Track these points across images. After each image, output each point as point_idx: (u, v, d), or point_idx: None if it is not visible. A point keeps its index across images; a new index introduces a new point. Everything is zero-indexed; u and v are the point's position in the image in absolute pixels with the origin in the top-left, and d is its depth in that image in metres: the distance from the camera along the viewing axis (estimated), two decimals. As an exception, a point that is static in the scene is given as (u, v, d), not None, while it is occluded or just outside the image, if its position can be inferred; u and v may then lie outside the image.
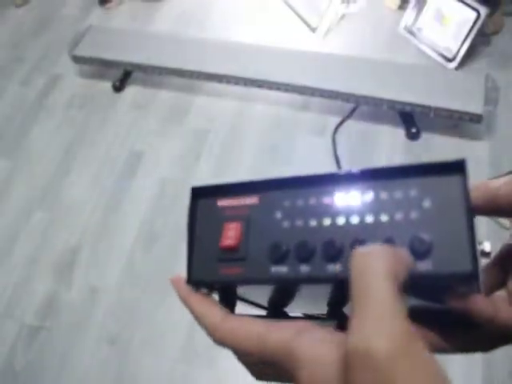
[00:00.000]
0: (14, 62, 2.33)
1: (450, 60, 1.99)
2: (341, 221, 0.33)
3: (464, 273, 0.29)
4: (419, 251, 0.29)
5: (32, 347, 1.54)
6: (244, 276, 0.34)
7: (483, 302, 0.31)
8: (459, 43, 1.96)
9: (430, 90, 1.79)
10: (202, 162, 1.89)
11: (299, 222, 0.34)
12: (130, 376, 1.47)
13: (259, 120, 1.98)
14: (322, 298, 0.37)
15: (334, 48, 2.14)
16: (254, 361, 0.35)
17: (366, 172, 0.33)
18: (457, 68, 1.98)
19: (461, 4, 1.94)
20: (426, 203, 0.31)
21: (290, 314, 0.42)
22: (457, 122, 1.80)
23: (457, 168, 0.30)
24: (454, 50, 1.97)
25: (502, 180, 0.31)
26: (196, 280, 0.37)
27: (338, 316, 0.37)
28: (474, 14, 1.90)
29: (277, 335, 0.31)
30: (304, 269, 0.32)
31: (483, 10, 1.88)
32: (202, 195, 0.38)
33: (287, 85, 1.87)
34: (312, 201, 0.34)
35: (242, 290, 0.38)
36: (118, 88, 2.14)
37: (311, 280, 0.32)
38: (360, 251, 0.28)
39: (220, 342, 0.34)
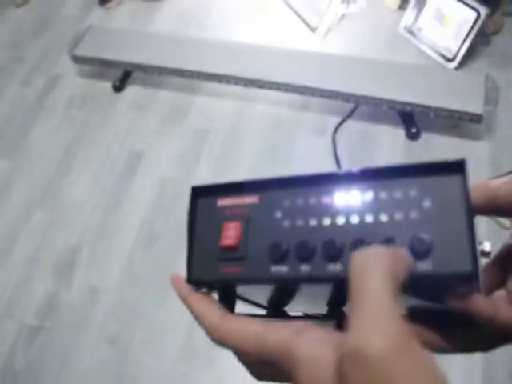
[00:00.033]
0: (14, 62, 2.33)
1: (450, 60, 1.99)
2: (341, 220, 0.33)
3: (464, 273, 0.29)
4: (419, 251, 0.29)
5: (32, 347, 1.54)
6: (244, 275, 0.34)
7: (483, 301, 0.31)
8: (459, 43, 1.96)
9: (430, 90, 1.79)
10: (202, 161, 1.89)
11: (299, 222, 0.34)
12: (130, 376, 1.47)
13: (259, 120, 1.98)
14: (321, 298, 0.37)
15: (334, 48, 2.14)
16: (252, 361, 0.35)
17: (366, 172, 0.33)
18: (457, 68, 1.98)
19: (461, 4, 1.94)
20: (426, 203, 0.31)
21: (290, 314, 0.42)
22: (457, 122, 1.80)
23: (457, 168, 0.30)
24: (454, 50, 1.98)
25: (502, 180, 0.31)
26: (196, 279, 0.37)
27: (337, 315, 0.37)
28: (474, 14, 1.90)
29: (275, 335, 0.31)
30: (304, 268, 0.32)
31: (483, 10, 1.88)
32: (202, 194, 0.38)
33: (287, 85, 1.87)
34: (312, 200, 0.34)
35: (241, 290, 0.38)
36: (118, 88, 2.14)
37: (311, 280, 0.32)
38: (360, 253, 0.28)
39: (219, 342, 0.34)
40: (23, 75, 2.27)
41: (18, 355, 1.53)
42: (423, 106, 1.75)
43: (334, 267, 0.31)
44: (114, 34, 2.22)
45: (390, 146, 1.84)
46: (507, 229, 1.55)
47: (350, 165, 1.78)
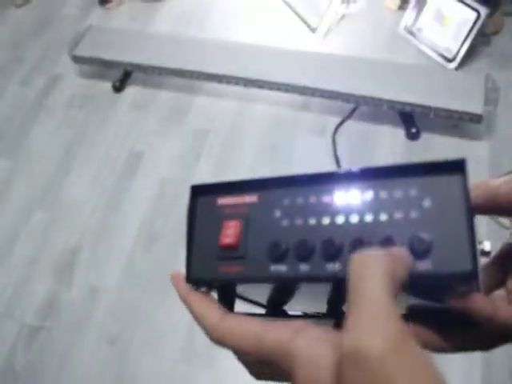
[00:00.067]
0: (14, 62, 2.33)
1: (450, 60, 1.99)
2: (340, 220, 0.32)
3: (464, 272, 0.29)
4: (419, 251, 0.29)
5: (32, 347, 1.54)
6: (243, 274, 0.34)
7: (483, 301, 0.31)
8: (459, 43, 1.96)
9: (430, 90, 1.79)
10: (202, 161, 1.89)
11: (299, 221, 0.34)
12: (130, 376, 1.47)
13: (259, 120, 1.98)
14: (321, 297, 0.37)
15: (334, 48, 2.14)
16: (252, 360, 0.35)
17: (366, 171, 0.33)
18: (457, 68, 1.98)
19: (461, 4, 1.94)
20: (426, 202, 0.31)
21: (289, 313, 0.42)
22: (457, 122, 1.80)
23: (457, 167, 0.30)
24: (454, 51, 1.98)
25: (502, 179, 0.31)
26: (195, 278, 0.36)
27: (336, 314, 0.37)
28: (474, 15, 1.90)
29: (274, 335, 0.31)
30: (303, 268, 0.32)
31: (483, 11, 1.88)
32: (201, 193, 0.38)
33: (287, 85, 1.87)
34: (311, 199, 0.34)
35: (241, 289, 0.38)
36: (118, 88, 2.14)
37: (310, 279, 0.32)
38: (359, 254, 0.28)
39: (218, 341, 0.34)
40: (23, 75, 2.27)
41: (18, 355, 1.53)
42: (423, 106, 1.75)
43: (333, 266, 0.31)
44: (114, 34, 2.22)
45: (389, 146, 1.84)
46: (507, 228, 1.55)
47: (349, 165, 1.78)
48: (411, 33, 2.11)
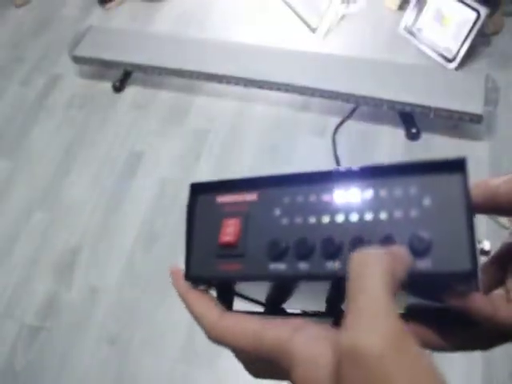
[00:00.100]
0: (14, 62, 2.33)
1: (450, 60, 1.99)
2: (340, 218, 0.32)
3: (463, 271, 0.29)
4: (418, 249, 0.29)
5: (32, 347, 1.54)
6: (242, 272, 0.34)
7: (482, 300, 0.31)
8: (459, 43, 1.96)
9: (430, 90, 1.79)
10: (202, 161, 1.89)
11: (298, 219, 0.34)
12: (130, 376, 1.47)
13: (259, 120, 1.98)
14: (320, 295, 0.37)
15: (334, 48, 2.14)
16: (250, 358, 0.35)
17: (366, 169, 0.33)
18: (457, 68, 1.98)
19: (461, 4, 1.94)
20: (426, 201, 0.31)
21: (288, 311, 0.42)
22: (457, 123, 1.80)
23: (457, 166, 0.30)
24: (454, 51, 1.98)
25: (502, 178, 0.31)
26: (194, 276, 0.36)
27: (335, 313, 0.37)
28: (473, 15, 1.90)
29: (272, 333, 0.31)
30: (303, 266, 0.32)
31: (483, 11, 1.88)
32: (201, 191, 0.38)
33: (287, 85, 1.87)
34: (311, 198, 0.34)
35: (240, 287, 0.38)
36: (118, 88, 2.14)
37: (310, 277, 0.32)
38: (359, 252, 0.28)
39: (216, 340, 0.34)
40: (23, 75, 2.27)
41: (18, 355, 1.53)
42: (423, 107, 1.75)
43: (333, 265, 0.31)
44: (114, 34, 2.22)
45: (390, 147, 1.84)
46: (506, 228, 1.55)
47: (349, 165, 1.78)
48: (411, 33, 2.11)
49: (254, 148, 1.90)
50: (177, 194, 1.79)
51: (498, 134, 1.82)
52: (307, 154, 1.85)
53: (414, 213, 0.31)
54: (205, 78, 1.98)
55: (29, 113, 2.13)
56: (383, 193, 0.32)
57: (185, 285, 0.37)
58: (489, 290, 0.34)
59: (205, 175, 1.81)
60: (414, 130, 1.84)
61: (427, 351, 0.34)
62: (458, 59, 1.97)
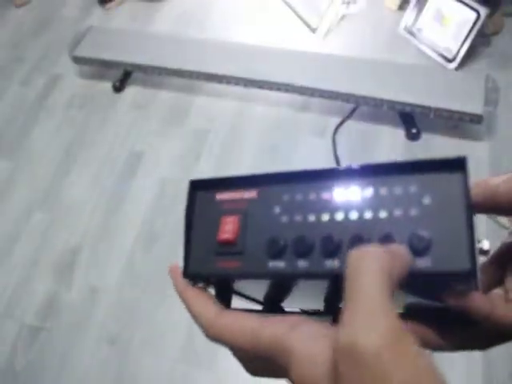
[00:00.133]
0: (14, 62, 2.33)
1: (450, 60, 1.99)
2: (339, 216, 0.32)
3: (462, 270, 0.29)
4: (418, 248, 0.29)
5: (32, 347, 1.54)
6: (241, 270, 0.34)
7: (481, 299, 0.31)
8: (459, 44, 1.96)
9: (430, 90, 1.79)
10: (202, 161, 1.89)
11: (298, 217, 0.34)
12: (130, 376, 1.47)
13: (259, 120, 1.98)
14: (319, 294, 0.37)
15: (334, 48, 2.14)
16: (248, 356, 0.35)
17: (366, 168, 0.33)
18: (457, 68, 1.98)
19: (461, 4, 1.94)
20: (426, 200, 0.31)
21: (286, 309, 0.42)
22: (457, 123, 1.80)
23: (458, 165, 0.30)
24: (454, 51, 1.98)
25: (501, 178, 0.31)
26: (192, 273, 0.36)
27: (333, 312, 0.37)
28: (473, 15, 1.90)
29: (270, 330, 0.31)
30: (301, 264, 0.32)
31: (483, 11, 1.88)
32: (200, 188, 0.38)
33: (287, 85, 1.87)
34: (311, 196, 0.34)
35: (238, 285, 0.38)
36: (118, 88, 2.14)
37: (309, 275, 0.32)
38: (357, 250, 0.28)
39: (214, 338, 0.34)
40: (23, 75, 2.27)
41: (19, 355, 1.53)
42: (423, 107, 1.75)
43: (332, 263, 0.31)
44: (114, 34, 2.22)
45: (390, 147, 1.84)
46: (507, 228, 1.55)
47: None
48: (411, 33, 2.11)
49: (254, 148, 1.90)
50: (177, 194, 1.79)
51: (498, 134, 1.82)
52: (307, 154, 1.85)
53: (413, 211, 0.31)
54: (205, 78, 1.98)
55: (29, 113, 2.13)
56: (383, 191, 0.32)
57: (183, 282, 0.37)
58: (488, 289, 0.34)
59: (205, 175, 1.78)
60: (414, 130, 1.84)
61: (427, 351, 0.34)
62: (458, 59, 1.97)
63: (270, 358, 0.31)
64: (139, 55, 2.04)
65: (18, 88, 2.23)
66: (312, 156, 1.84)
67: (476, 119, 1.71)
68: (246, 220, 0.35)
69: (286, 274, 0.33)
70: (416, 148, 1.82)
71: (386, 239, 0.30)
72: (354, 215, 0.32)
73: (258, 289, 0.38)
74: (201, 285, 0.37)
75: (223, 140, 1.94)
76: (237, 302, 0.39)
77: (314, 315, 0.40)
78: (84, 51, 2.11)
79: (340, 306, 0.37)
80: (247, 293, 0.40)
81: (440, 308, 0.34)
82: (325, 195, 0.33)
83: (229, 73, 1.92)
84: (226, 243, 0.35)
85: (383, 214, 0.31)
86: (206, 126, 1.98)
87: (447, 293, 0.31)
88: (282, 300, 0.41)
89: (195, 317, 0.35)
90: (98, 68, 2.19)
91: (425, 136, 1.85)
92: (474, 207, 0.30)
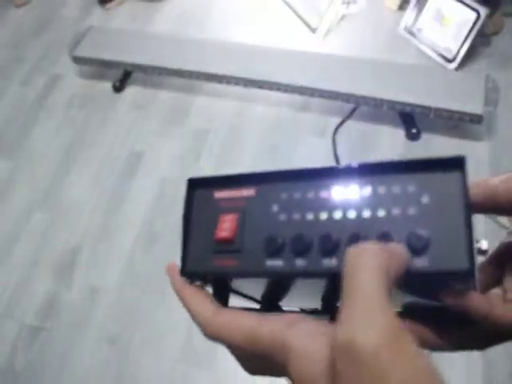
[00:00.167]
0: (14, 62, 2.33)
1: (450, 60, 1.99)
2: (338, 215, 0.32)
3: (460, 270, 0.29)
4: (416, 247, 0.29)
5: (32, 347, 1.54)
6: (239, 268, 0.34)
7: (479, 299, 0.31)
8: (459, 44, 1.96)
9: (430, 90, 1.79)
10: (202, 161, 1.89)
11: (296, 216, 0.33)
12: (130, 376, 1.47)
13: (259, 120, 1.98)
14: (316, 293, 0.37)
15: (334, 48, 2.14)
16: (246, 355, 0.35)
17: (365, 166, 0.33)
18: (457, 68, 1.98)
19: (461, 4, 1.94)
20: (425, 199, 0.31)
21: (284, 309, 0.41)
22: (457, 123, 1.80)
23: (456, 164, 0.30)
24: (454, 51, 1.97)
25: (500, 177, 0.31)
26: (190, 271, 0.36)
27: (331, 311, 0.37)
28: (473, 15, 1.90)
29: (268, 328, 0.31)
30: (299, 263, 0.32)
31: (483, 11, 1.88)
32: (198, 186, 0.38)
33: (287, 85, 1.87)
34: (309, 194, 0.34)
35: (236, 283, 0.38)
36: (118, 88, 2.14)
37: (307, 274, 0.32)
38: (355, 247, 0.27)
39: (212, 336, 0.34)
40: (23, 75, 2.27)
41: (19, 355, 1.53)
42: (423, 107, 1.75)
43: (330, 262, 0.31)
44: (114, 34, 2.22)
45: (390, 147, 1.84)
46: (506, 228, 1.55)
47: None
48: (411, 33, 2.11)
49: (254, 148, 1.90)
50: (177, 194, 1.79)
51: (498, 135, 1.82)
52: (307, 154, 1.85)
53: (412, 210, 0.31)
54: (205, 78, 1.98)
55: (29, 113, 2.13)
56: (381, 190, 0.32)
57: (180, 280, 0.36)
58: (486, 289, 0.34)
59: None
60: (414, 130, 1.84)
61: (426, 351, 0.34)
62: (458, 59, 1.97)
63: (268, 356, 0.31)
64: (139, 55, 2.04)
65: (17, 88, 2.23)
66: (312, 156, 1.84)
67: (476, 119, 1.71)
68: (244, 218, 0.35)
69: (284, 273, 0.33)
70: (416, 148, 1.82)
71: (384, 238, 0.30)
72: (352, 214, 0.32)
73: (256, 287, 0.38)
74: (198, 283, 0.37)
75: (223, 140, 1.94)
76: (234, 302, 0.39)
77: (312, 314, 0.40)
78: (84, 51, 2.11)
79: (338, 305, 0.37)
80: (245, 291, 0.40)
81: (438, 308, 0.34)
82: (323, 194, 0.33)
83: (229, 73, 1.92)
84: (224, 241, 0.35)
85: (381, 213, 0.31)
86: (206, 126, 1.98)
87: (445, 292, 0.31)
88: (279, 299, 0.41)
89: (193, 315, 0.35)
90: (98, 68, 2.19)
91: (425, 136, 1.85)
92: (474, 207, 0.30)
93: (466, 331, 0.35)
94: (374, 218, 0.31)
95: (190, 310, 0.35)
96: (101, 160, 1.94)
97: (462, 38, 1.94)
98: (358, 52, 2.11)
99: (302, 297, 0.41)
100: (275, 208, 0.34)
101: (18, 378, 1.50)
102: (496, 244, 0.36)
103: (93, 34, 2.17)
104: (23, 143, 2.03)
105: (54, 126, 2.07)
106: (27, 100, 2.17)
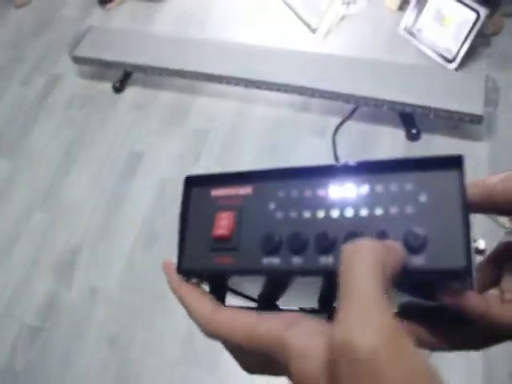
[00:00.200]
0: (14, 61, 2.33)
1: (450, 61, 1.99)
2: (335, 213, 0.32)
3: (457, 269, 0.29)
4: (413, 246, 0.29)
5: (32, 347, 1.54)
6: (235, 266, 0.34)
7: (476, 299, 0.31)
8: (459, 44, 1.96)
9: (430, 90, 1.79)
10: (202, 161, 1.89)
11: (293, 214, 0.33)
12: (130, 376, 1.47)
13: (259, 120, 1.98)
14: (313, 292, 0.37)
15: (334, 49, 2.14)
16: (245, 353, 0.35)
17: (362, 165, 0.33)
18: (457, 69, 1.98)
19: (460, 5, 1.94)
20: (422, 198, 0.31)
21: (283, 308, 0.41)
22: (457, 123, 1.80)
23: (454, 163, 0.30)
24: (454, 51, 1.97)
25: (498, 176, 0.31)
26: (186, 269, 0.36)
27: (328, 310, 0.37)
28: (473, 15, 1.90)
29: (267, 326, 0.31)
30: (296, 260, 0.32)
31: (483, 11, 1.88)
32: (195, 184, 0.38)
33: (287, 85, 1.87)
34: (306, 192, 0.34)
35: (233, 282, 0.38)
36: (118, 89, 2.14)
37: (303, 272, 0.32)
38: (351, 243, 0.27)
39: (211, 334, 0.34)
40: (23, 75, 2.27)
41: (19, 355, 1.53)
42: (423, 107, 1.75)
43: (327, 260, 0.31)
44: (114, 34, 2.22)
45: (390, 147, 1.84)
46: (506, 228, 1.55)
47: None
48: (411, 33, 2.11)
49: (254, 148, 1.90)
50: (177, 194, 1.75)
51: (497, 135, 1.82)
52: (307, 154, 1.85)
53: (409, 209, 0.31)
54: (205, 79, 1.98)
55: (29, 113, 2.13)
56: (379, 188, 0.32)
57: (177, 278, 0.36)
58: (483, 289, 0.34)
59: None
60: (414, 131, 1.84)
61: (425, 351, 0.34)
62: (458, 60, 1.97)
63: (267, 355, 0.31)
64: (139, 55, 2.04)
65: (17, 88, 2.23)
66: (312, 156, 1.84)
67: (476, 119, 1.71)
68: (241, 216, 0.35)
69: (281, 271, 0.33)
70: (416, 148, 1.82)
71: (381, 236, 0.30)
72: (349, 212, 0.32)
73: (253, 286, 0.38)
74: (194, 281, 0.37)
75: (223, 140, 1.94)
76: (231, 301, 0.39)
77: (311, 313, 0.40)
78: (84, 51, 2.11)
79: (334, 305, 0.37)
80: (242, 290, 0.40)
81: (435, 307, 0.34)
82: (320, 192, 0.33)
83: (229, 73, 1.92)
84: (221, 239, 0.35)
85: (379, 212, 0.31)
86: (206, 126, 1.98)
87: (442, 292, 0.31)
88: (276, 298, 0.41)
89: (191, 312, 0.35)
90: (98, 68, 2.19)
91: (425, 136, 1.85)
92: (472, 207, 0.30)
93: (463, 331, 0.35)
94: (371, 216, 0.31)
95: (187, 308, 0.35)
96: (101, 160, 1.94)
97: (462, 38, 1.94)
98: (357, 52, 2.11)
99: (300, 296, 0.41)
100: (272, 206, 0.34)
101: (18, 377, 1.50)
102: (494, 244, 0.36)
103: (93, 34, 2.17)
104: (23, 143, 2.03)
105: (53, 126, 2.07)
106: (27, 100, 2.18)
